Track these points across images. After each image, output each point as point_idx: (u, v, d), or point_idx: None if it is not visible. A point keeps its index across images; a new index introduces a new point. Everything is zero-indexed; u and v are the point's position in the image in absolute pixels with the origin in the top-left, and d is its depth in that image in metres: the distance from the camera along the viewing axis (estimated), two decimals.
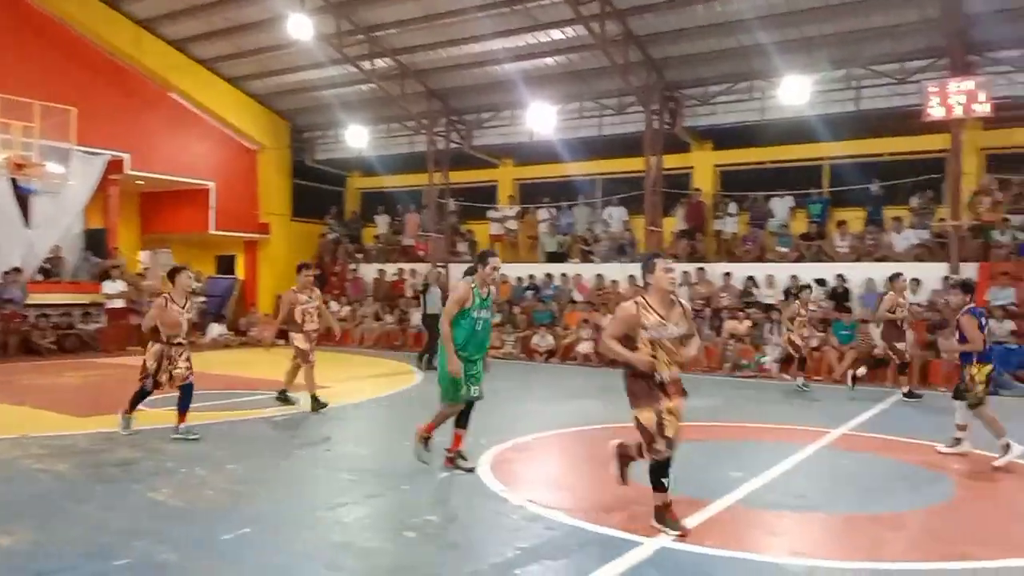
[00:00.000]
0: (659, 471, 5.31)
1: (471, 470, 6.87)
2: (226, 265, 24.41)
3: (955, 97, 13.97)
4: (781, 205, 18.16)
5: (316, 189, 24.53)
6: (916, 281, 15.27)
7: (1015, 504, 6.24)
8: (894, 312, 12.01)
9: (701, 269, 17.45)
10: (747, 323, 15.72)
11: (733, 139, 18.57)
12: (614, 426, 9.24)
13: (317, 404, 9.89)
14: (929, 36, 14.78)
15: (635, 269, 17.42)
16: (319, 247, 24.00)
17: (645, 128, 17.90)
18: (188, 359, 8.28)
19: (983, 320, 7.76)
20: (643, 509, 5.87)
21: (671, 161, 18.63)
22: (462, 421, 7.00)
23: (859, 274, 16.03)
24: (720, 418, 9.89)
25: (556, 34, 17.19)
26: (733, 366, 15.16)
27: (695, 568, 4.76)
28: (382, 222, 23.88)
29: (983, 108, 13.91)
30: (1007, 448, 7.39)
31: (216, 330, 20.07)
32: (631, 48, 16.78)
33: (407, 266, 21.66)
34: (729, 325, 15.79)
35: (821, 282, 16.24)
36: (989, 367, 7.68)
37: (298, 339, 9.92)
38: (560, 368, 16.17)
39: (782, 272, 16.64)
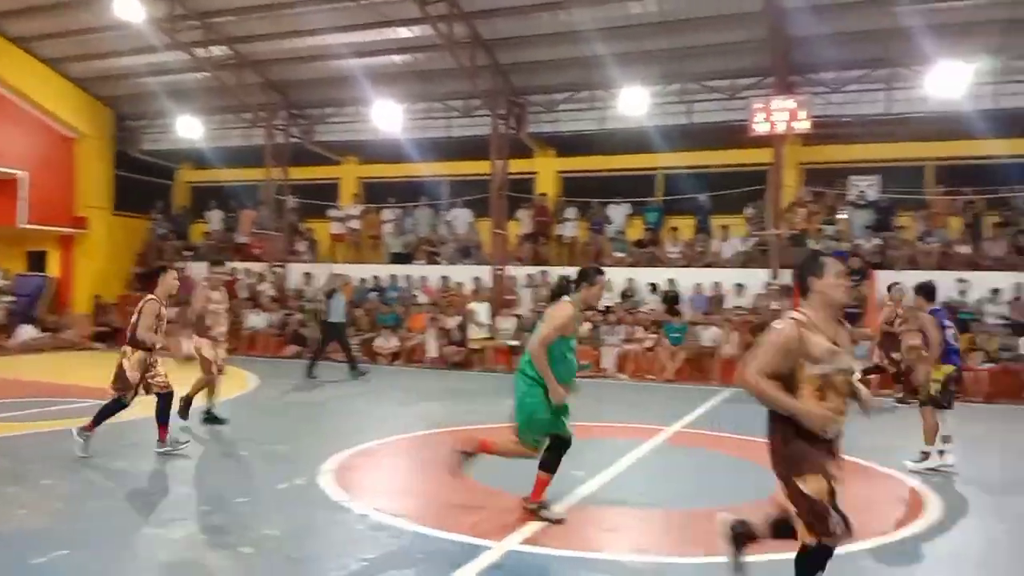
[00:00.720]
0: (819, 562, 3.82)
1: (560, 521, 5.61)
2: (38, 262, 22.35)
3: (778, 114, 14.96)
4: (618, 212, 18.81)
5: (142, 182, 22.92)
6: (740, 286, 16.28)
7: (846, 495, 6.67)
8: (892, 324, 11.93)
9: (544, 272, 17.77)
10: (587, 325, 16.14)
11: (575, 147, 19.05)
12: (460, 428, 9.22)
13: (213, 419, 9.06)
14: (756, 56, 15.76)
15: (481, 271, 17.75)
16: (144, 244, 22.49)
17: (491, 132, 18.02)
18: (163, 365, 7.73)
19: (945, 322, 7.90)
20: (491, 513, 5.85)
21: (516, 166, 18.86)
22: (551, 464, 5.79)
23: (689, 279, 16.86)
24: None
25: (403, 32, 16.97)
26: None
27: (543, 570, 4.78)
28: (215, 218, 22.64)
29: (803, 125, 15.00)
30: (926, 456, 7.70)
31: (26, 332, 18.35)
32: (478, 51, 16.85)
33: (241, 265, 20.66)
34: None
35: (654, 287, 16.95)
36: (951, 368, 7.75)
37: (204, 345, 8.96)
38: (405, 371, 15.96)
39: (619, 276, 17.22)
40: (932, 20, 13.81)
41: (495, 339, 16.44)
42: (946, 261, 15.61)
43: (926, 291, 8.07)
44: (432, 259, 19.43)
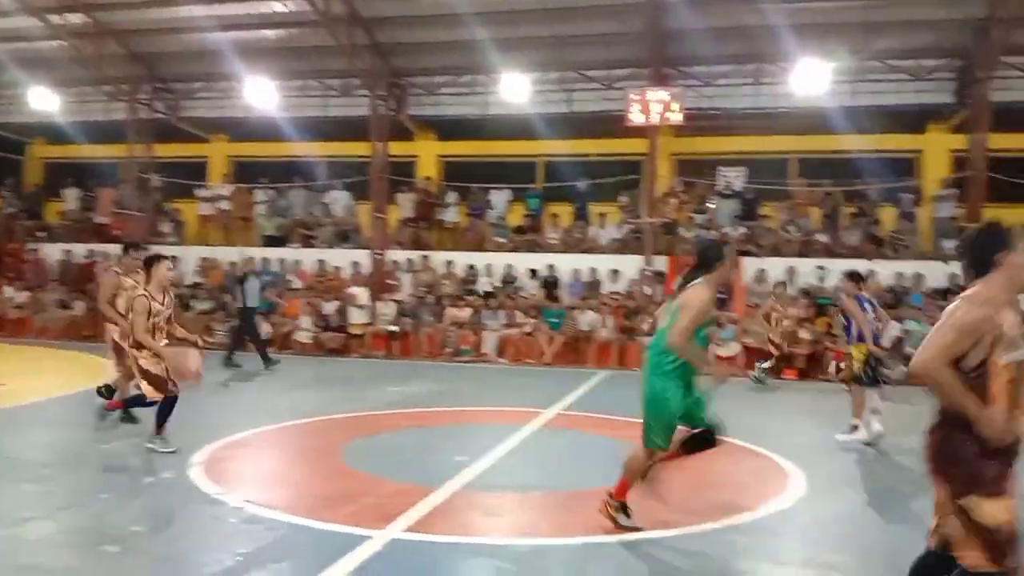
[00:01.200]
0: None
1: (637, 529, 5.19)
2: None
3: (653, 105, 15.37)
4: (500, 197, 18.87)
5: None
6: (616, 272, 16.69)
7: (707, 474, 6.94)
8: (769, 317, 12.50)
9: (425, 257, 17.62)
10: (468, 310, 16.15)
11: (457, 131, 18.96)
12: (336, 417, 9.03)
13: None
14: (633, 47, 16.12)
15: (360, 256, 17.40)
16: None
17: (371, 113, 17.66)
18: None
19: (866, 305, 8.36)
20: (371, 501, 5.74)
21: (397, 148, 18.58)
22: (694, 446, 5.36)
23: (567, 264, 17.13)
24: (442, 403, 10.02)
25: (276, 6, 16.35)
26: (454, 352, 15.49)
27: (426, 557, 4.72)
28: (71, 196, 21.16)
29: (676, 117, 15.47)
30: (855, 429, 8.20)
31: None
32: (356, 30, 16.45)
33: (100, 247, 19.40)
34: (451, 312, 16.11)
35: (533, 272, 17.12)
36: (866, 347, 8.24)
37: (116, 332, 8.14)
38: (277, 358, 15.41)
39: (499, 261, 17.31)
40: (796, 19, 14.51)
41: (375, 325, 16.18)
42: (807, 249, 16.51)
43: (854, 277, 8.65)
44: (308, 242, 18.89)
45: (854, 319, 8.40)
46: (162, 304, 7.13)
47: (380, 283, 17.04)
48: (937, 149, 17.18)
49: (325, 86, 18.68)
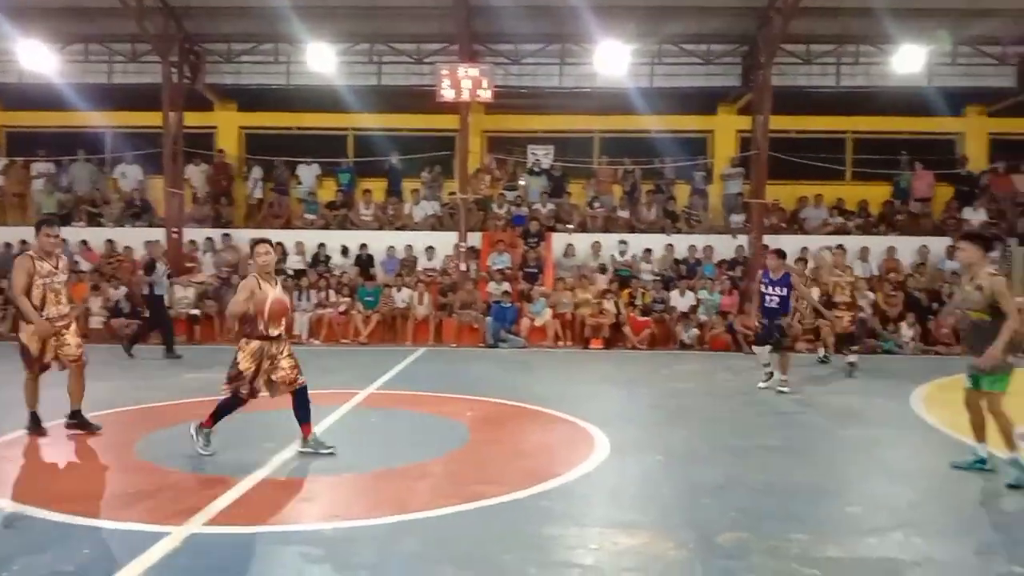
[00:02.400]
0: None
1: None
2: None
3: (464, 81, 15.38)
4: (308, 172, 18.25)
5: None
6: (431, 248, 16.66)
7: (519, 444, 7.11)
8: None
9: (227, 235, 16.72)
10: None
11: (259, 101, 18.09)
12: (129, 409, 8.41)
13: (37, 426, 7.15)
14: (442, 22, 16.01)
15: (155, 234, 16.21)
16: None
17: (163, 81, 16.42)
18: (292, 355, 6.50)
19: (763, 281, 9.96)
20: (168, 496, 5.39)
21: (193, 119, 17.44)
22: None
23: (382, 241, 16.89)
24: None
25: None
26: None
27: (228, 550, 4.47)
28: None
29: (486, 94, 15.57)
30: (769, 376, 9.99)
31: None
32: None
33: None
34: None
35: (345, 251, 16.74)
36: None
37: (26, 332, 6.95)
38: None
39: (310, 239, 16.78)
40: (597, 1, 14.97)
41: (173, 309, 15.17)
42: (610, 224, 17.28)
43: (780, 253, 10.16)
44: (94, 220, 17.38)
45: (797, 293, 10.05)
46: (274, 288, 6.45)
47: (178, 264, 15.99)
48: (726, 130, 18.48)
49: (111, 51, 17.16)
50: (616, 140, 18.65)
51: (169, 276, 13.99)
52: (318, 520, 4.96)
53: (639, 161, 17.96)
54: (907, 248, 16.28)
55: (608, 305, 14.94)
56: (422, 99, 16.54)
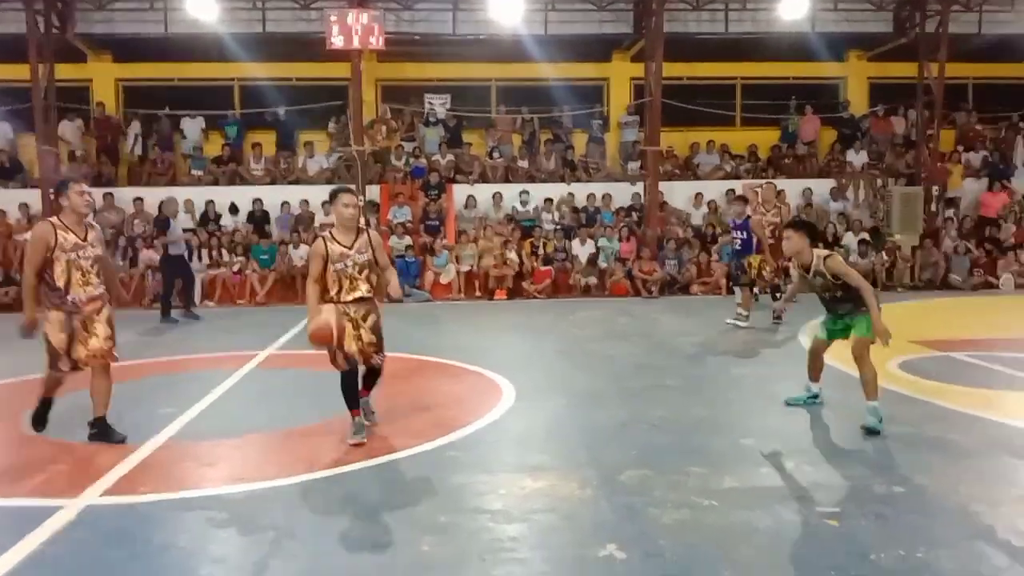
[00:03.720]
0: None
1: None
2: None
3: (354, 28, 14.88)
4: (192, 126, 17.43)
5: None
6: (328, 203, 16.24)
7: (425, 397, 7.08)
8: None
9: (110, 195, 15.86)
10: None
11: (136, 52, 17.05)
12: (13, 381, 7.98)
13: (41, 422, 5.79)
14: None
15: (29, 196, 15.23)
16: None
17: (28, 30, 15.22)
18: (375, 317, 5.72)
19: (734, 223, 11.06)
20: (62, 468, 5.17)
21: (65, 72, 16.30)
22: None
23: (275, 197, 16.38)
24: (144, 355, 9.18)
25: None
26: (152, 299, 14.26)
27: (130, 519, 4.34)
28: None
29: (378, 41, 15.14)
30: (746, 319, 10.56)
31: None
32: None
33: None
34: (146, 255, 14.75)
35: (234, 208, 16.16)
36: (759, 257, 10.73)
37: (53, 322, 5.49)
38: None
39: (199, 196, 16.11)
40: None
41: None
42: (510, 174, 17.26)
43: (743, 200, 11.30)
44: None
45: (755, 234, 10.68)
46: (350, 248, 5.61)
47: None
48: (621, 77, 18.62)
49: None
50: (513, 89, 18.53)
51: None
52: (222, 483, 4.87)
53: (537, 110, 17.92)
54: (794, 190, 16.92)
55: (511, 255, 15.00)
56: (311, 47, 15.93)
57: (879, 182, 17.42)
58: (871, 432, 5.63)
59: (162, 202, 13.62)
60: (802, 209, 16.55)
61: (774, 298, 11.16)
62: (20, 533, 4.05)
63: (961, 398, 6.62)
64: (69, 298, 5.47)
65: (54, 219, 5.55)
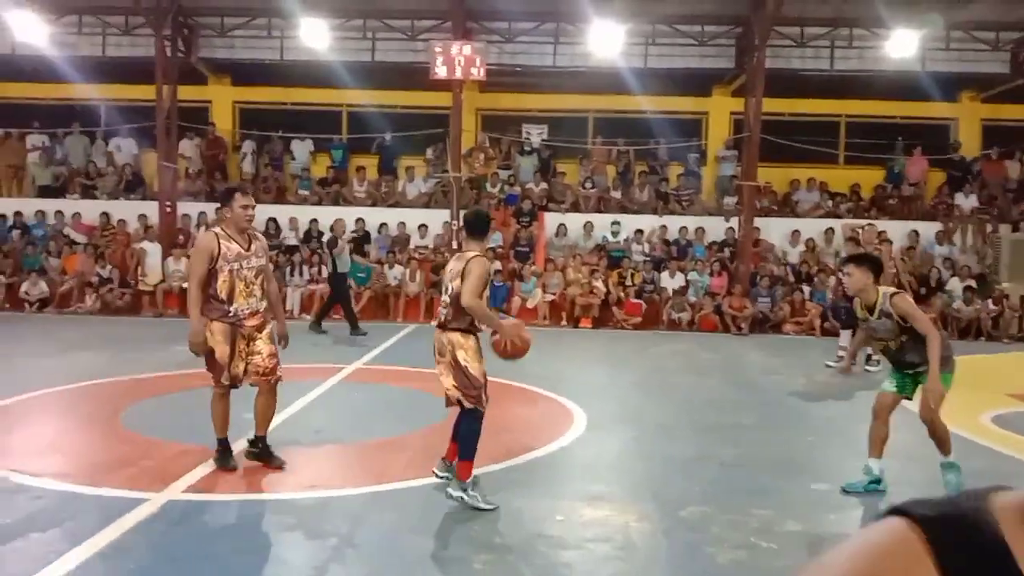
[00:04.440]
0: None
1: None
2: None
3: (457, 59, 15.36)
4: (301, 148, 18.27)
5: None
6: (423, 226, 16.73)
7: (499, 419, 7.10)
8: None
9: (221, 209, 16.73)
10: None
11: (253, 76, 18.05)
12: (118, 380, 8.52)
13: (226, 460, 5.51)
14: None
15: (148, 208, 16.28)
16: None
17: (156, 54, 16.37)
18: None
19: None
20: (150, 464, 5.52)
21: (187, 93, 17.39)
22: None
23: (376, 219, 16.95)
24: None
25: None
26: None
27: (208, 515, 4.62)
28: None
29: (479, 72, 15.56)
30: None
31: None
32: None
33: None
34: None
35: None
36: None
37: (216, 334, 5.28)
38: (56, 319, 14.24)
39: (304, 215, 16.83)
40: None
41: (166, 282, 15.30)
42: (602, 205, 17.33)
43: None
44: (88, 193, 17.43)
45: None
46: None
47: (170, 237, 16.07)
48: (720, 111, 18.46)
49: (105, 23, 17.10)
50: (610, 120, 18.64)
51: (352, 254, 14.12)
52: (294, 489, 5.09)
53: (633, 142, 17.97)
54: (898, 232, 16.32)
55: (598, 284, 15.03)
56: (416, 76, 16.51)
57: (989, 227, 16.62)
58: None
59: (335, 222, 14.17)
60: (905, 251, 15.96)
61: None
62: (107, 520, 4.37)
63: None
64: (232, 310, 5.26)
65: (217, 229, 5.42)
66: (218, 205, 5.56)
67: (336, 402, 7.93)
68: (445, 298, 4.91)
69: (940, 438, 5.30)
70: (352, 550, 4.16)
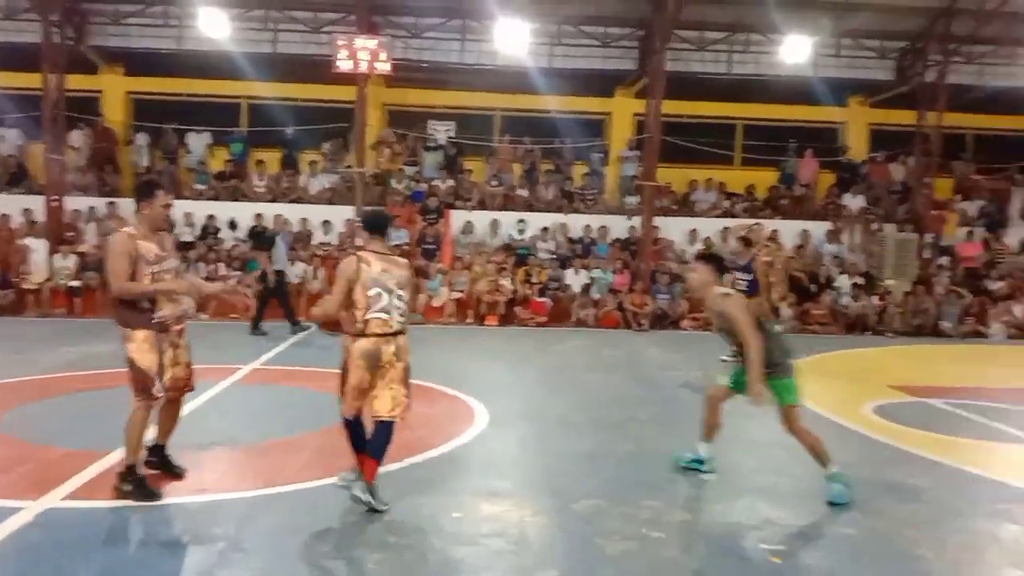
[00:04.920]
0: None
1: None
2: None
3: (361, 53, 15.14)
4: (198, 141, 17.68)
5: None
6: (327, 222, 16.45)
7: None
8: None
9: (112, 203, 16.06)
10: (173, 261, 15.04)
11: (148, 66, 17.32)
12: (5, 382, 8.08)
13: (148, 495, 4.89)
14: None
15: (33, 202, 15.43)
16: None
17: (43, 40, 15.52)
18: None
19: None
20: (28, 470, 5.26)
21: (76, 82, 16.56)
22: None
23: (276, 214, 16.53)
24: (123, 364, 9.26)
25: None
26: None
27: (87, 524, 4.42)
28: None
29: (385, 67, 15.40)
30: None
31: None
32: None
33: None
34: None
35: (233, 224, 16.32)
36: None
37: (143, 342, 4.88)
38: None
39: (200, 210, 16.30)
40: None
41: (52, 280, 14.56)
42: (509, 203, 17.43)
43: (746, 241, 10.36)
44: None
45: (757, 275, 9.97)
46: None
47: (57, 233, 15.31)
48: (623, 112, 18.81)
49: None
50: (517, 119, 18.76)
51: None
52: (183, 494, 4.93)
53: (538, 140, 18.13)
54: (790, 231, 17.04)
55: (505, 283, 15.11)
56: (319, 69, 16.19)
57: (875, 227, 17.51)
58: (836, 505, 5.06)
59: (274, 219, 14.28)
60: (797, 250, 16.66)
61: None
62: None
63: (928, 444, 6.66)
64: (157, 316, 4.89)
65: (130, 229, 4.96)
66: (135, 200, 5.13)
67: (231, 404, 7.72)
68: (397, 303, 4.70)
69: (812, 449, 5.24)
70: (240, 554, 4.06)
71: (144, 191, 5.12)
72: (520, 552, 4.19)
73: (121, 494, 4.76)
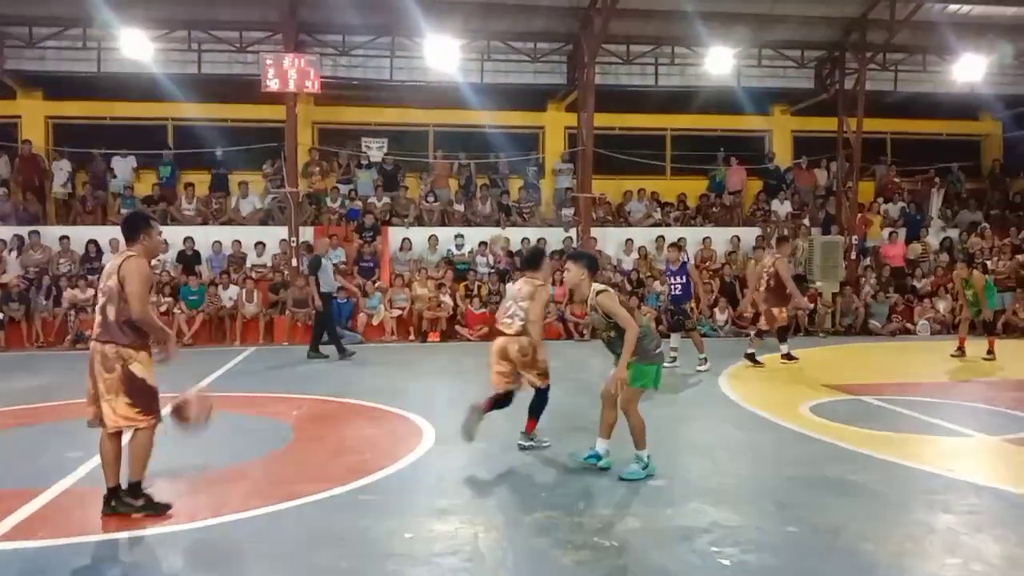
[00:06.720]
0: None
1: None
2: None
3: (290, 72, 14.97)
4: (124, 165, 17.21)
5: None
6: (262, 244, 16.18)
7: (343, 440, 7.07)
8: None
9: (36, 232, 15.50)
10: (90, 291, 14.57)
11: (67, 89, 16.85)
12: None
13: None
14: (264, 9, 15.50)
15: None
16: None
17: None
18: None
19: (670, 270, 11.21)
20: None
21: None
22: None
23: (207, 237, 16.21)
24: (54, 397, 8.94)
25: None
26: (75, 339, 13.91)
27: (19, 566, 4.22)
28: None
29: (313, 85, 15.25)
30: (705, 361, 10.61)
31: None
32: None
33: None
34: (69, 295, 14.42)
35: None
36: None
37: (147, 364, 5.18)
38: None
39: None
40: None
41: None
42: (446, 218, 17.41)
43: (678, 247, 11.41)
44: None
45: (693, 281, 10.99)
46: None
47: None
48: (555, 126, 19.05)
49: None
50: (450, 134, 18.80)
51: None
52: (119, 530, 4.76)
53: (473, 155, 18.19)
54: (720, 238, 17.43)
55: (445, 299, 15.06)
56: (247, 89, 15.97)
57: (802, 231, 18.04)
58: (629, 480, 5.63)
59: (318, 242, 13.99)
60: (728, 256, 17.04)
61: (782, 340, 11.67)
62: None
63: (865, 440, 6.86)
64: (159, 352, 5.20)
65: (141, 259, 5.07)
66: (131, 233, 5.18)
67: (168, 433, 7.47)
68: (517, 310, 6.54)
69: (635, 431, 5.80)
70: None
71: (141, 222, 5.24)
72: (475, 569, 4.17)
73: (132, 510, 4.93)
